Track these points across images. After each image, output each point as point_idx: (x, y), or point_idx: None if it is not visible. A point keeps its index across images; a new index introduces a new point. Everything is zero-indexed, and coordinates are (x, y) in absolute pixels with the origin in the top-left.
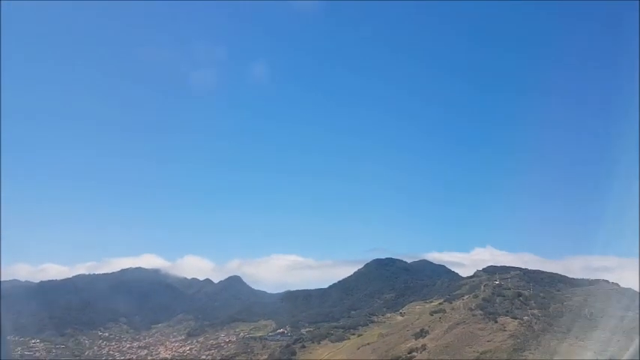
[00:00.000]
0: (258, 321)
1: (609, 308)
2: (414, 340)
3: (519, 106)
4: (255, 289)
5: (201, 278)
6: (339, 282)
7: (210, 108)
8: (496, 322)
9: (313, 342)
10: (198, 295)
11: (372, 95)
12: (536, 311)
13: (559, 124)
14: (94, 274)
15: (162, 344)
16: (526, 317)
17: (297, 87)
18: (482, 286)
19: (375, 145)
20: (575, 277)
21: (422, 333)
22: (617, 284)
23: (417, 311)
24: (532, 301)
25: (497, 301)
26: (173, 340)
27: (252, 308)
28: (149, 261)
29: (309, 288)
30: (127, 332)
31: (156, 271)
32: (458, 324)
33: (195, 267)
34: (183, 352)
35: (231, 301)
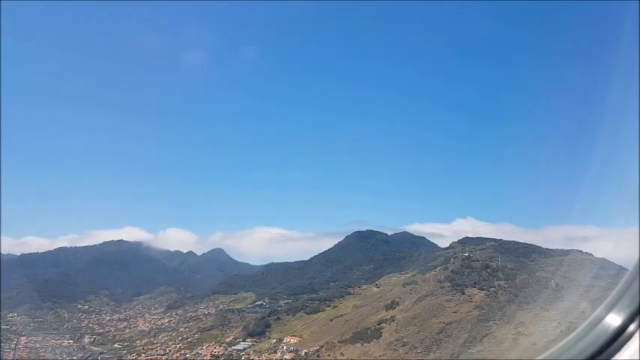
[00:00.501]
0: (238, 293)
1: (578, 278)
2: (384, 311)
3: (501, 74)
4: (239, 261)
5: (185, 251)
6: (320, 254)
7: (190, 84)
8: (463, 293)
9: (289, 314)
10: (181, 268)
11: (350, 66)
12: (502, 282)
13: (539, 92)
14: (75, 246)
15: (141, 317)
16: (492, 288)
17: (276, 64)
18: (452, 259)
19: (356, 118)
20: (550, 248)
21: (392, 305)
22: (590, 254)
23: (392, 283)
24: (499, 273)
25: (465, 272)
26: (153, 312)
27: (233, 281)
28: (131, 234)
29: (292, 260)
30: (108, 305)
31: (138, 244)
32: (426, 296)
33: (177, 240)
34: (162, 324)
35: (213, 273)
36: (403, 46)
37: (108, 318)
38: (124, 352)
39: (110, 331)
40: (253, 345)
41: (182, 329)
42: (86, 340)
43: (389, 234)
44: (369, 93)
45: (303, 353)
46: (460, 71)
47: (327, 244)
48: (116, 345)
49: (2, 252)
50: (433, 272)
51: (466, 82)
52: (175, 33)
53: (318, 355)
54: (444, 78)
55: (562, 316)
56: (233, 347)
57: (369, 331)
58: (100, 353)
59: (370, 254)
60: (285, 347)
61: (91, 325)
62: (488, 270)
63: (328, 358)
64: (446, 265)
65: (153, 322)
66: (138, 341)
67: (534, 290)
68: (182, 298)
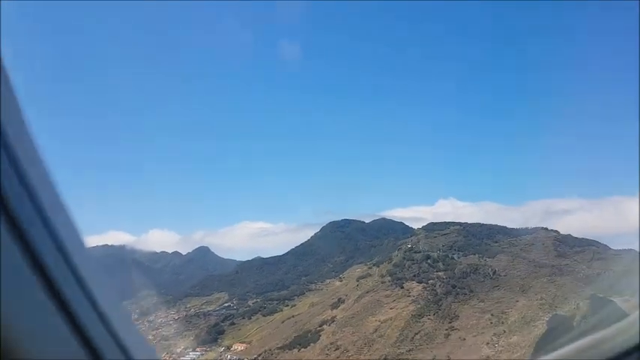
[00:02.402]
0: (211, 294)
1: (530, 260)
2: (329, 310)
3: (482, 52)
4: (225, 258)
5: (170, 251)
6: (296, 247)
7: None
8: (402, 287)
9: (244, 317)
10: (165, 269)
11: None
12: (442, 273)
13: (517, 67)
14: None
15: None
16: (431, 281)
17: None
18: (396, 251)
19: (333, 99)
20: (515, 227)
21: (338, 303)
22: (556, 231)
23: (355, 275)
24: (440, 263)
25: (406, 265)
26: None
27: (207, 282)
28: (115, 237)
29: (281, 253)
30: None
31: (121, 247)
32: (367, 292)
33: (162, 241)
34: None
35: (196, 272)
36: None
37: None
38: None
39: None
40: (202, 354)
41: (156, 333)
42: None
43: (366, 222)
44: (344, 70)
45: None
46: (443, 44)
47: (307, 235)
48: None
49: None
50: (383, 265)
51: (448, 55)
52: None
53: None
54: (425, 49)
55: (496, 307)
56: (182, 358)
57: (309, 334)
58: None
59: (343, 245)
60: (229, 356)
61: None
62: (429, 261)
63: None
64: (390, 257)
65: None
66: None
67: (473, 280)
68: (161, 302)
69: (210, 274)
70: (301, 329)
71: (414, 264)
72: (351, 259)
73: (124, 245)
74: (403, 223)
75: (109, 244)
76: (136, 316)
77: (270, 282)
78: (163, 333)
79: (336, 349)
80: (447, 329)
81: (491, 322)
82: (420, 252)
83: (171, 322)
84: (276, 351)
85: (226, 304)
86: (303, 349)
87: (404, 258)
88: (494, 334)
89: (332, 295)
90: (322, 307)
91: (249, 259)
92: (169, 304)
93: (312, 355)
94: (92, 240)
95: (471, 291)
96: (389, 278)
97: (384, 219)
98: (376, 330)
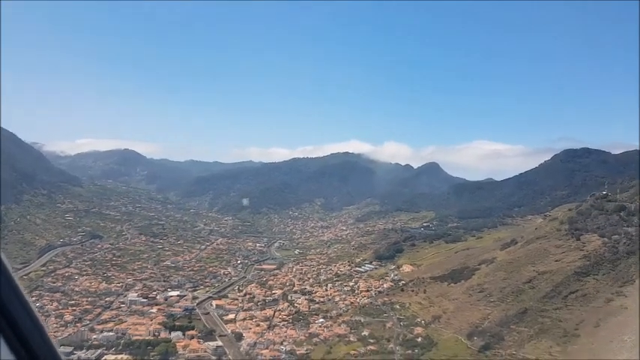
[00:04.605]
0: (419, 212)
1: None
2: (498, 250)
3: None
4: (454, 175)
5: (403, 164)
6: (520, 175)
7: None
8: (578, 239)
9: (426, 240)
10: (395, 180)
11: None
12: (633, 229)
13: None
14: (307, 157)
15: (334, 226)
16: (615, 236)
17: None
18: (588, 196)
19: None
20: None
21: (510, 243)
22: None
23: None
24: (636, 217)
25: (592, 214)
26: (345, 223)
27: (419, 199)
28: (356, 146)
29: (507, 177)
30: (317, 213)
31: (360, 156)
32: (539, 238)
33: (396, 153)
34: (342, 235)
35: (420, 188)
36: None
37: (312, 225)
38: (293, 258)
39: (300, 238)
40: (375, 269)
41: (353, 242)
42: (276, 245)
43: (613, 153)
44: None
45: (402, 282)
46: None
47: (538, 162)
48: (296, 251)
49: (254, 160)
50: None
51: None
52: None
53: (403, 290)
54: None
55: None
56: (357, 268)
57: (465, 270)
58: (270, 258)
59: (571, 177)
60: (393, 275)
61: (294, 230)
62: (622, 213)
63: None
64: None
65: (337, 232)
66: (312, 250)
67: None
68: (379, 211)
69: (421, 192)
70: (464, 263)
71: (601, 214)
72: (574, 194)
73: (362, 154)
74: None
75: (350, 151)
76: (352, 221)
77: (478, 208)
78: (362, 241)
79: (480, 292)
80: (612, 293)
81: None
82: (614, 201)
83: (376, 231)
84: (428, 280)
85: (426, 224)
86: (452, 284)
87: (592, 206)
88: None
89: (520, 232)
90: (498, 245)
91: (480, 179)
92: (381, 215)
93: (455, 293)
94: (337, 147)
95: None
96: (566, 227)
97: (637, 150)
98: (530, 280)
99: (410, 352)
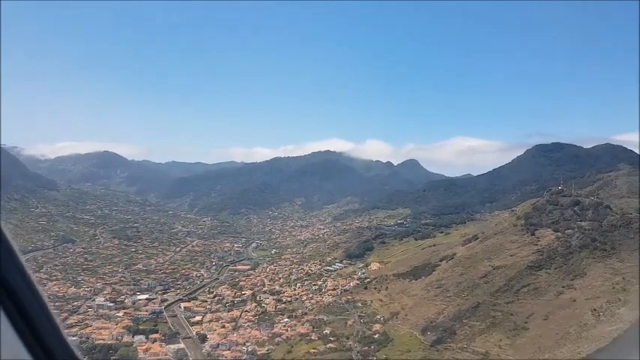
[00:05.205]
0: (395, 209)
1: None
2: (460, 246)
3: None
4: (434, 172)
5: (384, 161)
6: (494, 170)
7: None
8: (533, 234)
9: (396, 238)
10: (376, 178)
11: None
12: (586, 223)
13: None
14: (288, 157)
15: (313, 226)
16: (569, 230)
17: None
18: (545, 192)
19: None
20: None
21: (471, 239)
22: None
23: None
24: (589, 212)
25: (547, 209)
26: (323, 222)
27: (396, 196)
28: (337, 144)
29: (483, 172)
30: (297, 212)
31: (340, 154)
32: (496, 234)
33: (376, 150)
34: (318, 235)
35: (400, 185)
36: None
37: (291, 224)
38: (269, 258)
39: (278, 237)
40: (345, 267)
41: (329, 241)
42: (253, 245)
43: (585, 147)
44: None
45: (367, 280)
46: None
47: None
48: (273, 251)
49: (237, 160)
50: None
51: None
52: None
53: (366, 288)
54: None
55: (632, 270)
56: (327, 267)
57: (427, 267)
58: (246, 258)
59: (541, 172)
60: (360, 273)
61: (273, 230)
62: (576, 208)
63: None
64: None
65: (314, 232)
66: (289, 249)
67: (621, 234)
68: (358, 209)
69: (399, 190)
70: (428, 260)
71: (556, 209)
72: (542, 189)
73: (342, 152)
74: (632, 151)
75: (331, 149)
76: (330, 220)
77: (451, 204)
78: (336, 240)
79: (438, 287)
80: (563, 287)
81: (614, 288)
82: (569, 196)
83: (352, 229)
84: (391, 277)
85: (400, 221)
86: (413, 281)
87: (547, 201)
88: (608, 301)
89: (485, 228)
90: (461, 241)
91: (459, 175)
92: (359, 213)
93: (415, 289)
94: (318, 145)
95: (613, 247)
96: (522, 222)
97: (608, 144)
98: (485, 275)
99: (367, 348)
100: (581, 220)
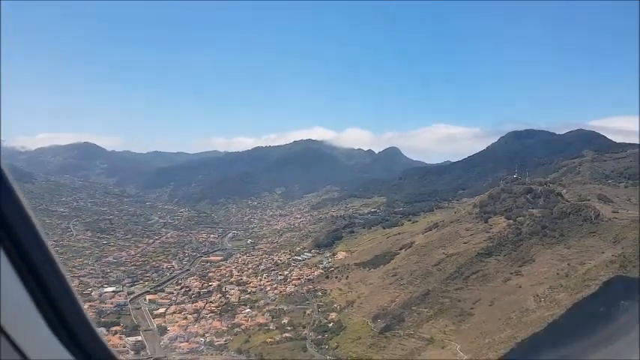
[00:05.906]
0: (371, 197)
1: None
2: (421, 234)
3: None
4: (414, 159)
5: (365, 149)
6: (469, 157)
7: None
8: (486, 222)
9: (364, 227)
10: (356, 167)
11: None
12: (537, 211)
13: None
14: (270, 146)
15: (291, 215)
16: (520, 218)
17: None
18: (500, 181)
19: None
20: None
21: (431, 227)
22: None
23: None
24: (541, 199)
25: (501, 197)
26: (301, 210)
27: (372, 184)
28: (319, 133)
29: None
30: (276, 201)
31: (321, 143)
32: (452, 222)
33: (357, 138)
34: (295, 224)
35: (380, 173)
36: None
37: (271, 213)
38: (243, 249)
39: (255, 227)
40: (312, 257)
41: (304, 231)
42: (229, 235)
43: (558, 133)
44: None
45: (330, 270)
46: None
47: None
48: (249, 241)
49: (220, 150)
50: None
51: None
52: None
53: (328, 277)
54: None
55: (577, 256)
56: (296, 257)
57: (387, 255)
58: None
59: (514, 158)
60: (325, 263)
61: (252, 219)
62: (529, 196)
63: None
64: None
65: (291, 221)
66: (265, 239)
67: (570, 222)
68: (336, 198)
69: (376, 178)
70: (389, 249)
71: (510, 197)
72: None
73: (323, 141)
74: (605, 137)
75: (313, 138)
76: (307, 209)
77: (425, 192)
78: (309, 229)
79: (393, 275)
80: (511, 273)
81: (558, 273)
82: (523, 184)
83: (328, 218)
84: (352, 266)
85: (374, 209)
86: (372, 269)
87: (502, 189)
88: (550, 287)
89: (447, 216)
90: (422, 229)
91: (439, 162)
92: (336, 201)
93: (372, 278)
94: (300, 134)
95: (562, 235)
96: (477, 210)
97: (581, 130)
98: (438, 263)
99: (320, 337)
100: (532, 208)
